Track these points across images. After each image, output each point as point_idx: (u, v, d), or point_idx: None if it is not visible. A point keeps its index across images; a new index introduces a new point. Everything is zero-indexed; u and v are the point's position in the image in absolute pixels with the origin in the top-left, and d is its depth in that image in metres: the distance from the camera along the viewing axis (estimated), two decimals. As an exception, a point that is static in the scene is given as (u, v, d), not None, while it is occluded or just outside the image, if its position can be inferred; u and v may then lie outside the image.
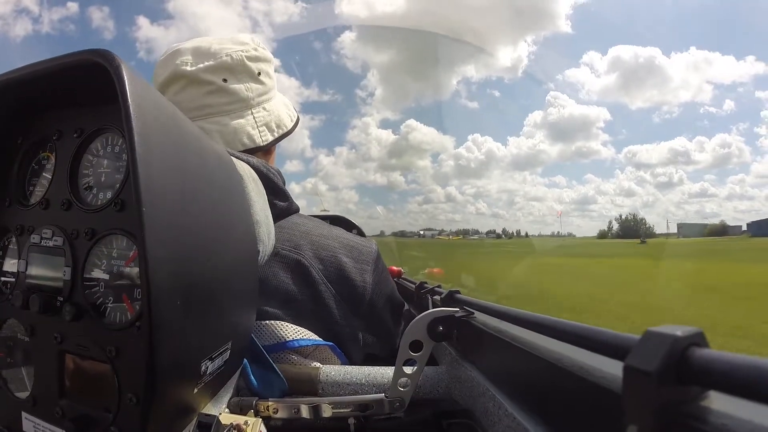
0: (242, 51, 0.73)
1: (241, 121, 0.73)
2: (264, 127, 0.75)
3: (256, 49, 0.76)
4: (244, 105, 0.74)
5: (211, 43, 0.73)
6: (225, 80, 0.72)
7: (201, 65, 0.70)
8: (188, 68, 0.70)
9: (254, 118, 0.74)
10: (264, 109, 0.76)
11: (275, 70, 0.83)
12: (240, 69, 0.73)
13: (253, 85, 0.75)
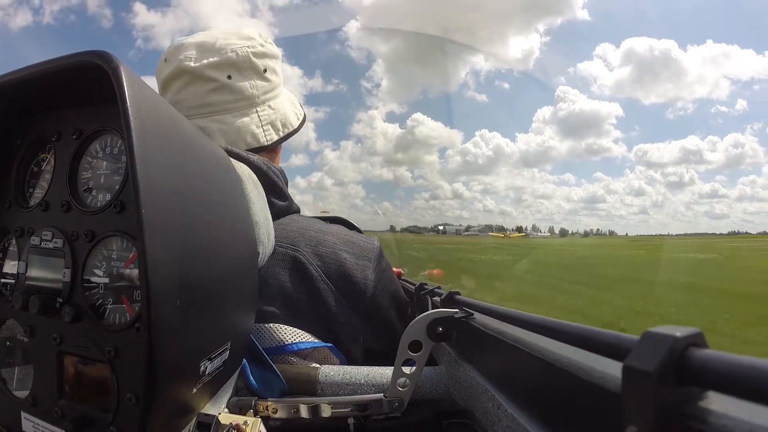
0: (248, 47, 0.71)
1: (245, 119, 0.71)
2: (269, 126, 0.73)
3: (263, 45, 0.73)
4: (248, 103, 0.72)
5: (216, 38, 0.71)
6: (230, 77, 0.70)
7: (205, 61, 0.68)
8: (192, 64, 0.68)
9: (259, 116, 0.72)
10: (269, 107, 0.74)
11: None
12: (245, 65, 0.71)
13: (259, 83, 0.73)
